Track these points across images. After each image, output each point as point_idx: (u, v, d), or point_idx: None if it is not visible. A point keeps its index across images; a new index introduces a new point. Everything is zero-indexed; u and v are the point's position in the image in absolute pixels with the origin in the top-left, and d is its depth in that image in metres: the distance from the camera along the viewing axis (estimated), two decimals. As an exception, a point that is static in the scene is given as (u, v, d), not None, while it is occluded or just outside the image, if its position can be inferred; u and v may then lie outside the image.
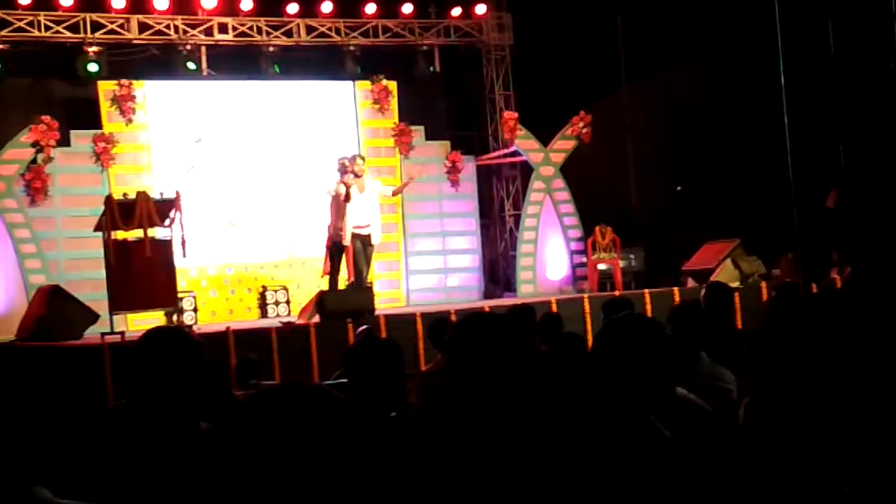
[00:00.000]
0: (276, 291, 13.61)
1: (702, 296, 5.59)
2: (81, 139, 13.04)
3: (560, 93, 15.31)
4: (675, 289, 11.98)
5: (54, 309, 10.26)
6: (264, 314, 13.43)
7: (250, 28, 14.08)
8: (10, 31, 12.94)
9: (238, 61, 14.19)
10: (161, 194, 10.55)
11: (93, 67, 13.13)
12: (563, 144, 15.07)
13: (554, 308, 10.19)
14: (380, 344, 3.40)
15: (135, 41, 13.60)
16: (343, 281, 11.34)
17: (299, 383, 1.55)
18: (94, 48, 13.15)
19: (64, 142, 12.86)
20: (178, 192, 10.35)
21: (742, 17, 13.72)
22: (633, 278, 14.46)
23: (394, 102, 14.75)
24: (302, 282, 13.63)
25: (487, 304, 12.84)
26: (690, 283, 13.08)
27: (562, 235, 14.95)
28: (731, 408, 3.17)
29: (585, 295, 11.99)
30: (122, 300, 9.96)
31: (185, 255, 10.29)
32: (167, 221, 10.27)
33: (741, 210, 14.63)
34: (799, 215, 8.07)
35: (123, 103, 13.18)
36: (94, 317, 10.45)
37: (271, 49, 14.12)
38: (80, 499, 2.29)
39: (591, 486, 2.22)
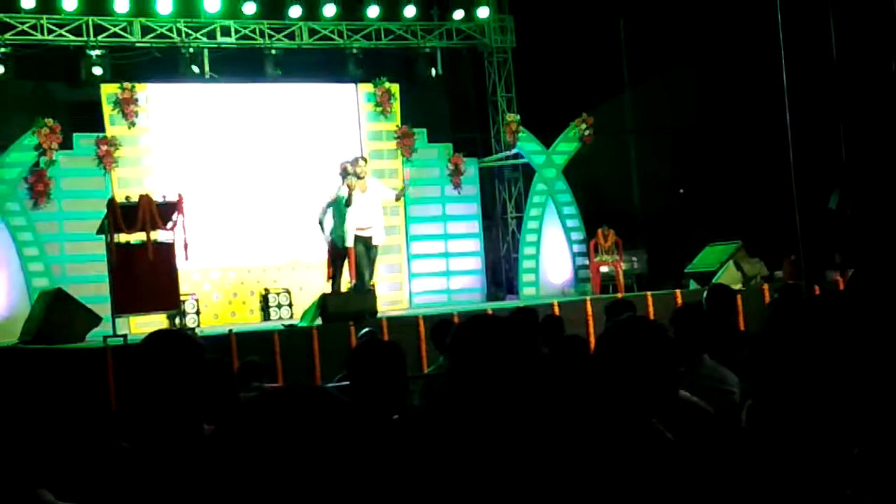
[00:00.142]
0: (278, 294, 13.64)
1: (704, 298, 5.60)
2: (84, 142, 13.07)
3: (562, 95, 15.31)
4: (678, 291, 11.96)
5: (57, 312, 10.26)
6: (267, 317, 13.45)
7: (253, 31, 14.09)
8: (14, 35, 12.96)
9: (241, 64, 14.20)
10: (164, 197, 10.56)
11: (96, 70, 13.16)
12: (565, 147, 15.09)
13: (556, 310, 10.18)
14: (382, 346, 3.39)
15: (137, 44, 13.62)
16: (346, 283, 11.35)
17: (302, 386, 1.55)
18: (97, 51, 13.18)
19: (67, 145, 12.89)
20: (180, 195, 10.36)
21: (744, 19, 13.71)
22: (636, 280, 14.46)
23: (396, 105, 14.76)
24: (304, 284, 13.63)
25: (490, 306, 12.83)
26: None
27: (564, 238, 14.95)
28: (734, 410, 3.16)
29: (588, 297, 11.98)
30: (124, 303, 9.97)
31: (187, 258, 10.30)
32: (170, 224, 10.28)
33: (743, 212, 14.63)
34: (801, 217, 8.06)
35: (126, 106, 13.20)
36: (96, 320, 10.45)
37: (274, 52, 14.14)
38: (83, 502, 2.29)
39: (594, 488, 2.22)
